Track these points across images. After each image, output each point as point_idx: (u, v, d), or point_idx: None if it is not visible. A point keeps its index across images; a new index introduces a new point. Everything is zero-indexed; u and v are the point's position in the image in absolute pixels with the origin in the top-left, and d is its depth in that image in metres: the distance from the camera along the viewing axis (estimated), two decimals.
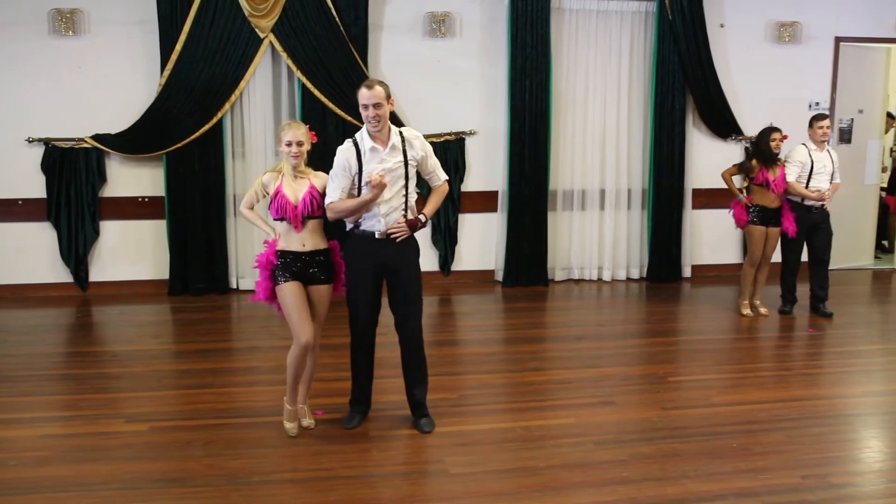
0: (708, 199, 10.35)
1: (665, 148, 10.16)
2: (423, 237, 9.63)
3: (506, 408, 6.38)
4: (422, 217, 5.54)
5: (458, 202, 9.90)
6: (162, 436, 5.66)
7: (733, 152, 10.37)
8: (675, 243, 10.40)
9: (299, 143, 5.38)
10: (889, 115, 12.20)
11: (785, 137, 8.41)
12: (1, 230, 9.18)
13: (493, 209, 10.07)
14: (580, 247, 10.35)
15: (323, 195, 5.41)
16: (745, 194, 8.55)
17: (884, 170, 12.07)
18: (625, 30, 10.07)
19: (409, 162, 5.45)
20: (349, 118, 9.20)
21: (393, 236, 5.44)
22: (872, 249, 11.55)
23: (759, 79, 10.39)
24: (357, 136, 5.44)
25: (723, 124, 10.35)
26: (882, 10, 10.59)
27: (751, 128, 10.15)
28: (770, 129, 8.40)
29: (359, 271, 5.51)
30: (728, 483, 5.04)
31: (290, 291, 5.38)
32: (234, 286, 9.63)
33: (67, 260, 9.24)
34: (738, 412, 6.16)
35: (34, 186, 9.12)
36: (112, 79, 9.13)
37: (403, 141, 5.45)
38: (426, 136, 9.10)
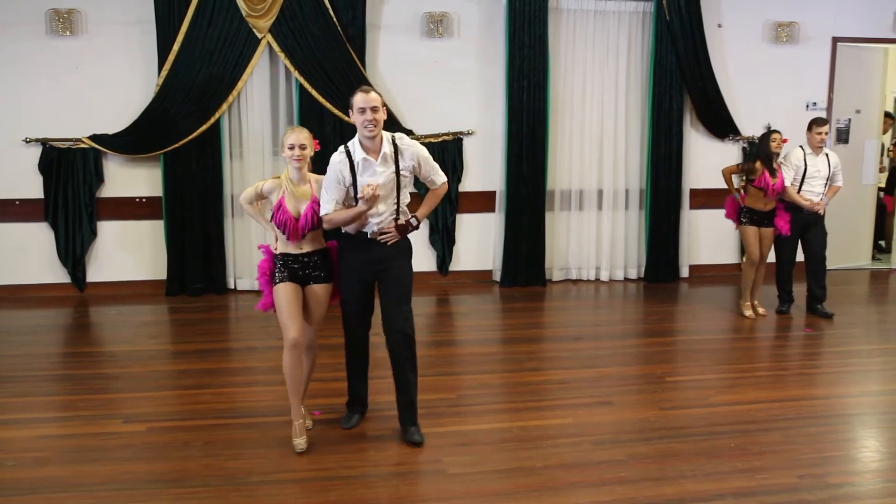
0: (705, 199, 10.36)
1: (662, 148, 10.17)
2: (422, 237, 9.65)
3: (504, 408, 6.38)
4: (413, 220, 5.48)
5: (455, 202, 9.91)
6: (160, 436, 5.66)
7: (731, 152, 10.38)
8: (672, 243, 10.40)
9: (302, 147, 5.34)
10: (888, 114, 12.21)
11: (784, 140, 8.43)
12: None
13: (491, 209, 10.08)
14: (578, 247, 10.36)
15: None
16: (741, 194, 8.56)
17: (882, 170, 12.07)
18: (622, 30, 10.07)
19: (402, 173, 5.38)
20: (347, 118, 9.18)
21: (382, 240, 5.40)
22: (870, 249, 11.56)
23: (757, 79, 10.40)
24: (349, 145, 5.36)
25: (720, 124, 10.36)
26: (879, 10, 10.60)
27: (748, 128, 10.17)
28: (770, 132, 8.41)
29: (350, 271, 5.49)
30: (726, 483, 5.04)
31: (283, 291, 5.37)
32: (232, 286, 9.63)
33: (65, 260, 9.23)
34: (735, 412, 6.17)
35: (32, 187, 9.11)
36: (109, 79, 9.13)
37: (396, 151, 5.37)
38: (424, 137, 9.26)
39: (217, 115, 9.18)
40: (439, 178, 5.60)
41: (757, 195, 8.44)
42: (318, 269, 5.49)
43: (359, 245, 5.43)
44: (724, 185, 8.72)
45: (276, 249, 5.50)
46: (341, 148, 5.39)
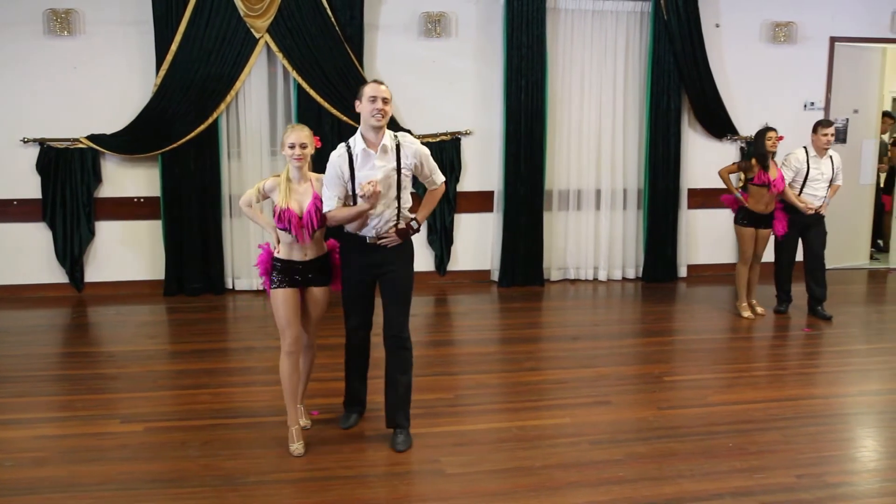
0: (703, 198, 10.36)
1: (660, 148, 10.17)
2: (420, 237, 9.62)
3: (502, 408, 6.38)
4: (414, 224, 5.44)
5: (453, 202, 9.91)
6: (158, 436, 5.66)
7: (729, 152, 10.39)
8: (670, 243, 10.41)
9: (302, 146, 5.30)
10: (888, 114, 12.21)
11: (780, 138, 8.42)
12: None
13: (489, 209, 10.08)
14: (576, 247, 10.36)
15: None
16: (742, 193, 8.54)
17: (882, 169, 12.06)
18: (620, 30, 10.07)
19: (403, 170, 5.34)
20: (345, 118, 9.20)
21: (382, 244, 5.37)
22: (868, 249, 11.57)
23: (755, 79, 10.41)
24: (350, 140, 5.35)
25: (718, 124, 10.37)
26: (877, 10, 10.61)
27: (746, 128, 10.17)
28: (766, 130, 8.40)
29: (352, 272, 5.46)
30: (724, 482, 5.05)
31: (282, 298, 5.34)
32: (230, 286, 9.62)
33: (63, 260, 9.23)
34: (733, 412, 6.18)
35: (29, 187, 9.10)
36: (107, 79, 9.12)
37: (398, 147, 5.34)
38: (422, 137, 9.26)
39: (215, 115, 9.18)
40: (439, 178, 5.57)
41: (759, 194, 8.41)
42: (317, 271, 5.45)
43: (360, 247, 5.39)
44: (722, 185, 8.70)
45: (277, 252, 5.44)
46: (342, 144, 5.37)
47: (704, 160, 10.21)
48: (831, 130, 8.49)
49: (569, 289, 10.12)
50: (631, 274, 10.52)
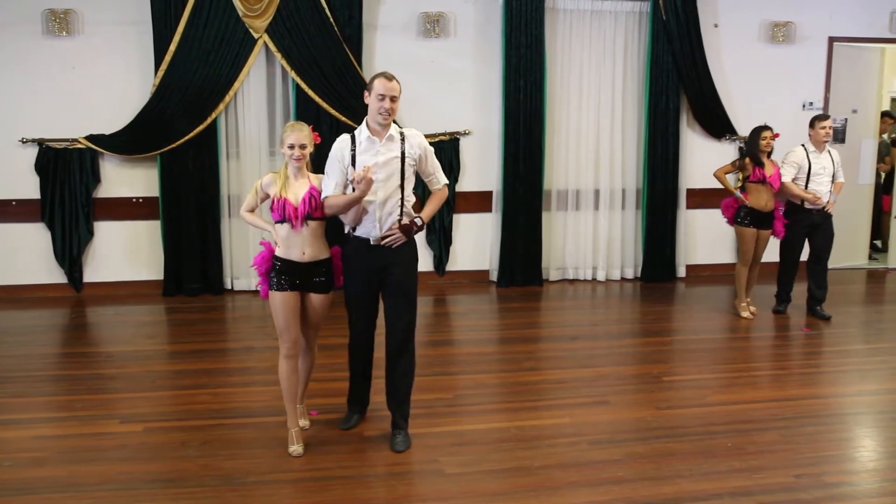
0: (702, 198, 10.36)
1: (659, 148, 10.18)
2: (419, 236, 9.60)
3: (501, 408, 6.38)
4: (418, 220, 5.39)
5: (452, 202, 9.90)
6: (157, 436, 5.66)
7: (727, 152, 10.40)
8: (669, 243, 10.41)
9: (302, 146, 5.28)
10: (889, 114, 12.21)
11: (776, 136, 8.42)
12: None
13: (488, 209, 10.08)
14: (574, 247, 10.36)
15: None
16: (742, 192, 8.54)
17: (883, 169, 12.06)
18: (619, 30, 10.08)
19: (406, 159, 5.31)
20: (343, 118, 9.20)
21: (387, 243, 5.34)
22: (867, 249, 11.58)
23: (753, 79, 10.42)
24: (355, 131, 5.35)
25: (717, 124, 10.38)
26: (876, 9, 10.62)
27: (745, 128, 10.15)
28: (760, 128, 8.41)
29: (356, 275, 5.41)
30: (723, 482, 5.05)
31: (281, 299, 5.30)
32: (229, 287, 9.62)
33: (61, 260, 9.23)
34: (732, 411, 6.18)
35: (28, 187, 9.10)
36: (106, 79, 9.12)
37: (403, 138, 5.34)
38: None
39: (213, 116, 9.18)
40: (442, 178, 5.56)
41: (757, 191, 8.40)
42: (318, 276, 5.39)
43: (364, 250, 5.36)
44: (720, 186, 8.71)
45: (276, 250, 5.41)
46: (346, 133, 5.38)
47: (703, 160, 10.22)
48: (829, 123, 8.47)
49: (567, 289, 10.13)
50: (630, 274, 10.53)
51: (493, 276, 10.18)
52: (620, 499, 4.85)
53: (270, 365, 6.68)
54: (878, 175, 11.79)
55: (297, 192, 5.30)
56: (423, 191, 5.75)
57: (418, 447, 5.49)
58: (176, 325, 8.59)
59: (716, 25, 10.28)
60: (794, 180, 8.49)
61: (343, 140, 5.32)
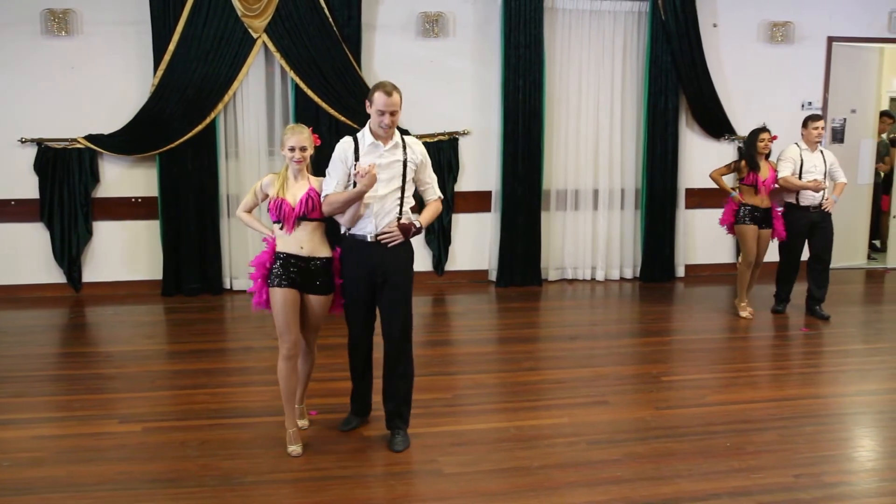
0: (701, 198, 10.37)
1: (658, 148, 10.18)
2: (418, 237, 9.62)
3: (500, 407, 6.38)
4: (416, 223, 5.39)
5: (451, 202, 9.90)
6: (156, 436, 5.66)
7: (726, 152, 10.40)
8: (668, 243, 10.42)
9: (302, 149, 5.28)
10: (887, 114, 12.22)
11: (774, 138, 8.43)
12: None
13: (487, 209, 10.08)
14: (573, 246, 10.36)
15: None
16: (738, 192, 8.56)
17: (882, 169, 12.05)
18: (618, 30, 10.08)
19: (408, 164, 5.33)
20: (342, 118, 9.20)
21: (384, 241, 5.32)
22: (866, 248, 11.58)
23: (752, 79, 10.42)
24: (358, 133, 5.37)
25: (716, 124, 10.38)
26: (875, 9, 10.62)
27: (744, 128, 10.16)
28: (759, 130, 8.42)
29: (353, 276, 5.40)
30: (721, 482, 5.05)
31: (281, 297, 5.28)
32: (228, 286, 9.62)
33: (60, 260, 9.22)
34: (731, 411, 6.18)
35: (27, 187, 9.10)
36: (105, 79, 9.12)
37: (405, 143, 5.38)
38: (420, 137, 9.22)
39: (213, 116, 9.18)
40: (436, 191, 5.58)
41: (751, 192, 8.45)
42: (318, 277, 5.37)
43: (360, 249, 5.35)
44: (718, 187, 8.72)
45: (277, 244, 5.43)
46: (348, 136, 5.39)
47: (702, 160, 10.22)
48: (821, 123, 8.48)
49: (566, 289, 10.13)
50: (628, 274, 10.53)
51: (492, 276, 10.18)
52: (619, 499, 4.85)
53: (269, 365, 6.68)
54: (877, 175, 11.79)
55: (295, 193, 5.31)
56: (420, 206, 5.72)
57: (417, 447, 5.49)
58: (175, 325, 8.59)
59: (715, 25, 10.28)
60: (791, 173, 8.49)
61: (347, 142, 5.34)
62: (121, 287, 9.44)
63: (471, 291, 9.88)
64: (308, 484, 5.01)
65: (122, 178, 9.31)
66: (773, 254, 8.93)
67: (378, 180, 5.18)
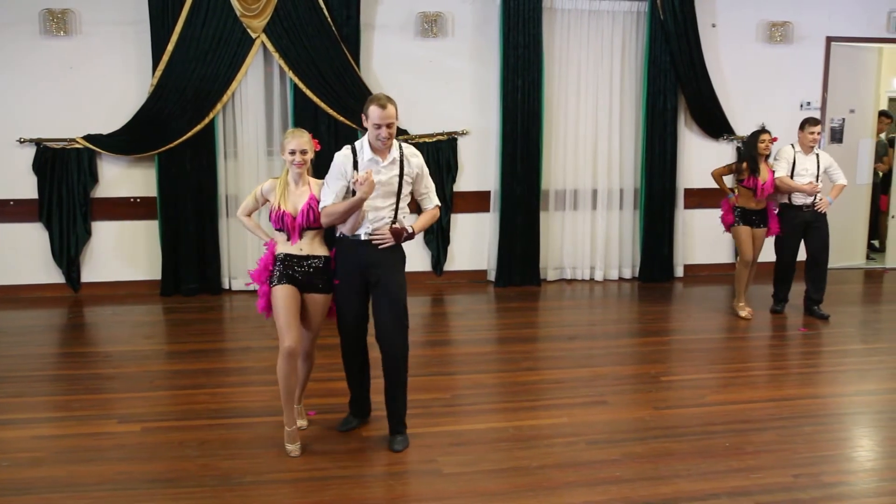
0: (700, 198, 10.37)
1: (657, 148, 10.18)
2: (417, 237, 9.61)
3: (499, 407, 6.39)
4: (409, 228, 5.43)
5: (450, 202, 9.90)
6: (155, 436, 5.66)
7: (725, 152, 10.40)
8: (667, 243, 10.42)
9: (303, 152, 5.30)
10: (884, 113, 12.22)
11: (774, 139, 8.44)
12: None
13: (486, 209, 10.08)
14: (572, 246, 10.36)
15: None
16: (734, 194, 8.57)
17: (881, 169, 12.05)
18: (617, 30, 10.08)
19: (405, 178, 5.37)
20: (341, 118, 9.21)
21: (375, 241, 5.34)
22: (865, 248, 11.58)
23: (751, 79, 10.42)
24: (357, 144, 5.36)
25: (714, 124, 10.38)
26: (874, 9, 10.62)
27: (742, 127, 10.18)
28: (759, 132, 8.42)
29: (345, 276, 5.42)
30: (720, 482, 5.05)
31: (281, 294, 5.29)
32: (227, 286, 9.62)
33: (59, 260, 9.22)
34: (730, 411, 6.18)
35: (26, 187, 9.10)
36: (104, 79, 9.12)
37: (402, 156, 5.37)
38: (418, 137, 9.31)
39: (211, 116, 9.18)
40: (434, 200, 5.60)
41: (747, 194, 8.46)
42: (318, 277, 5.40)
43: (353, 248, 5.38)
44: (717, 186, 8.73)
45: (276, 250, 5.45)
46: (347, 146, 5.38)
47: (701, 160, 10.22)
48: (818, 129, 8.48)
49: (565, 289, 10.13)
50: (627, 274, 10.53)
51: (491, 276, 10.18)
52: (618, 499, 4.85)
53: (268, 365, 6.68)
54: (875, 175, 11.78)
55: (296, 202, 5.33)
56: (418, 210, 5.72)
57: (416, 447, 5.49)
58: (174, 325, 8.59)
59: (713, 25, 10.28)
60: (786, 174, 8.49)
61: (346, 156, 5.32)
62: (119, 287, 9.44)
63: (470, 291, 9.88)
64: (307, 484, 5.01)
65: (121, 178, 9.31)
66: (766, 254, 8.94)
67: (374, 191, 5.21)
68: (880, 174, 12.08)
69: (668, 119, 10.17)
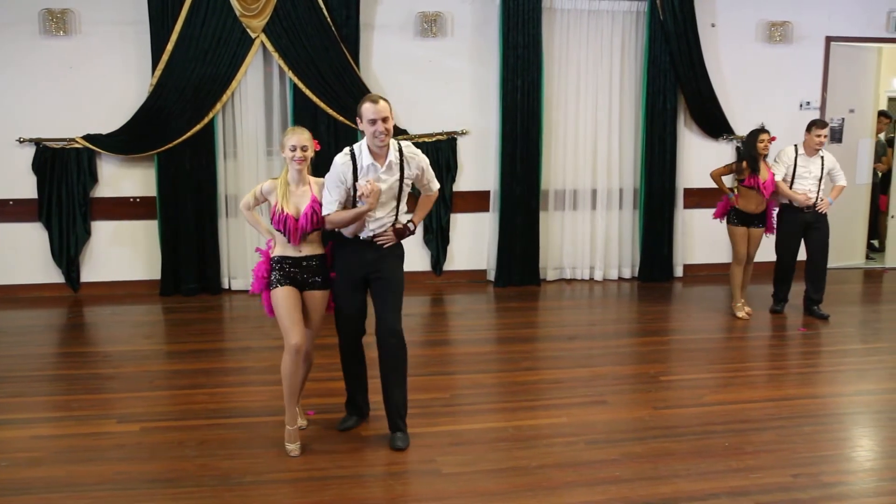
0: (699, 198, 10.36)
1: (656, 147, 10.18)
2: (416, 237, 9.65)
3: (498, 407, 6.38)
4: (410, 225, 5.48)
5: (449, 202, 9.90)
6: (154, 436, 5.66)
7: (724, 152, 10.40)
8: (666, 243, 10.42)
9: (303, 149, 5.29)
10: (883, 113, 12.22)
11: (773, 139, 8.43)
12: None
13: (485, 209, 10.08)
14: (572, 246, 10.36)
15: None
16: (734, 194, 8.56)
17: (880, 169, 12.05)
18: (616, 29, 10.08)
19: (405, 181, 5.39)
20: (340, 118, 9.21)
21: (379, 242, 5.39)
22: (864, 248, 11.58)
23: (751, 79, 10.42)
24: (355, 148, 5.34)
25: (714, 124, 10.38)
26: (873, 9, 10.62)
27: (742, 127, 10.17)
28: (758, 131, 8.41)
29: (344, 275, 5.45)
30: (720, 482, 5.05)
31: (282, 296, 5.31)
32: (226, 286, 9.62)
33: (59, 260, 9.22)
34: (729, 411, 6.18)
35: (25, 187, 9.10)
36: (103, 79, 9.12)
37: (402, 159, 5.36)
38: (418, 136, 9.29)
39: (211, 115, 9.18)
40: (435, 185, 5.65)
41: (749, 195, 8.44)
42: (315, 274, 5.41)
43: (352, 247, 5.41)
44: (717, 186, 8.72)
45: (272, 251, 5.45)
46: (346, 149, 5.36)
47: (700, 160, 10.22)
48: (825, 132, 8.47)
49: (565, 288, 10.13)
50: (627, 274, 10.53)
51: (491, 276, 10.18)
52: (618, 498, 4.85)
53: (268, 365, 6.69)
54: (875, 174, 11.79)
55: (297, 203, 5.33)
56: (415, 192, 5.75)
57: (415, 447, 5.49)
58: (173, 325, 8.59)
59: (713, 25, 10.28)
60: (783, 179, 8.50)
61: (345, 163, 5.29)
62: (119, 287, 9.44)
63: (469, 291, 9.88)
64: (306, 484, 5.01)
65: (121, 177, 9.31)
66: (766, 254, 8.95)
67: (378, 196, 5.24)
68: (879, 174, 12.08)
69: (667, 119, 10.16)
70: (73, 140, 9.03)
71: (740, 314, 8.66)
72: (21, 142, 8.99)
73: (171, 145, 9.12)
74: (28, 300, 9.15)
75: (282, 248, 5.40)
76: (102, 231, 9.36)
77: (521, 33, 9.62)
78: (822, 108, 10.65)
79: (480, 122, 9.94)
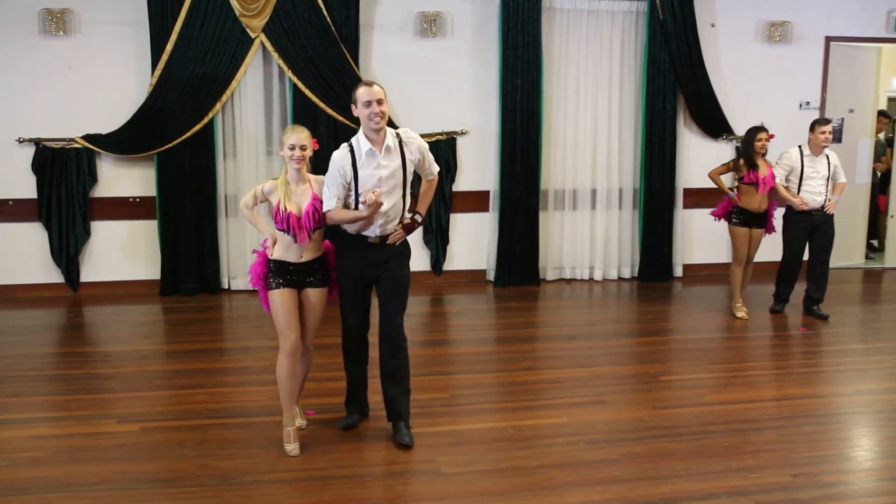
0: (699, 198, 10.36)
1: (656, 147, 10.18)
2: (416, 237, 9.64)
3: (498, 407, 6.38)
4: (417, 217, 5.47)
5: (449, 202, 9.90)
6: (154, 436, 5.66)
7: (724, 152, 10.39)
8: (666, 243, 10.42)
9: (302, 147, 5.27)
10: (883, 113, 12.22)
11: (771, 137, 8.42)
12: None
13: (485, 209, 10.08)
14: (572, 246, 10.36)
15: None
16: (735, 193, 8.55)
17: (879, 168, 12.04)
18: (616, 29, 10.08)
19: (408, 166, 5.36)
20: (340, 118, 9.20)
21: (390, 242, 5.38)
22: (864, 248, 11.58)
23: (750, 78, 10.42)
24: (353, 140, 5.33)
25: (714, 124, 10.38)
26: (873, 9, 10.62)
27: (741, 127, 10.13)
28: (756, 129, 8.40)
29: (349, 274, 5.44)
30: (719, 482, 5.05)
31: (280, 298, 5.30)
32: (226, 286, 9.62)
33: (58, 260, 9.22)
34: (729, 411, 6.18)
35: (25, 187, 9.09)
36: (103, 79, 9.11)
37: (401, 143, 5.35)
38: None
39: (211, 115, 9.17)
40: (435, 168, 5.61)
41: (749, 192, 8.43)
42: (313, 273, 5.41)
43: (359, 246, 5.39)
44: (716, 186, 8.72)
45: (271, 255, 5.42)
46: (345, 144, 5.36)
47: (700, 160, 10.21)
48: (829, 128, 8.46)
49: (564, 288, 10.13)
50: (626, 273, 10.53)
51: (490, 276, 10.18)
52: (617, 498, 4.85)
53: (267, 364, 6.68)
54: (874, 174, 11.79)
55: (299, 201, 5.31)
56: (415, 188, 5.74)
57: (415, 446, 5.48)
58: (173, 325, 8.59)
59: (713, 25, 10.28)
60: (786, 181, 8.49)
61: (343, 155, 5.30)
62: (118, 287, 9.44)
63: (469, 291, 9.88)
64: (306, 483, 5.01)
65: (120, 177, 9.31)
66: (769, 254, 8.94)
67: (381, 192, 5.21)
68: (879, 174, 12.08)
69: (667, 119, 10.16)
70: (72, 140, 9.03)
71: (740, 314, 8.66)
72: (21, 142, 8.98)
73: (170, 145, 9.11)
74: (28, 300, 9.14)
75: (282, 252, 5.37)
76: (102, 231, 9.35)
77: (520, 33, 9.62)
78: (822, 107, 10.65)
79: (480, 122, 9.93)
